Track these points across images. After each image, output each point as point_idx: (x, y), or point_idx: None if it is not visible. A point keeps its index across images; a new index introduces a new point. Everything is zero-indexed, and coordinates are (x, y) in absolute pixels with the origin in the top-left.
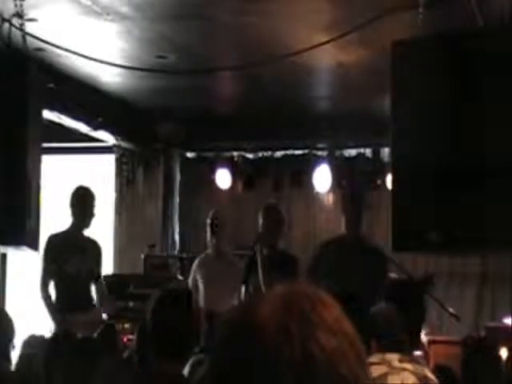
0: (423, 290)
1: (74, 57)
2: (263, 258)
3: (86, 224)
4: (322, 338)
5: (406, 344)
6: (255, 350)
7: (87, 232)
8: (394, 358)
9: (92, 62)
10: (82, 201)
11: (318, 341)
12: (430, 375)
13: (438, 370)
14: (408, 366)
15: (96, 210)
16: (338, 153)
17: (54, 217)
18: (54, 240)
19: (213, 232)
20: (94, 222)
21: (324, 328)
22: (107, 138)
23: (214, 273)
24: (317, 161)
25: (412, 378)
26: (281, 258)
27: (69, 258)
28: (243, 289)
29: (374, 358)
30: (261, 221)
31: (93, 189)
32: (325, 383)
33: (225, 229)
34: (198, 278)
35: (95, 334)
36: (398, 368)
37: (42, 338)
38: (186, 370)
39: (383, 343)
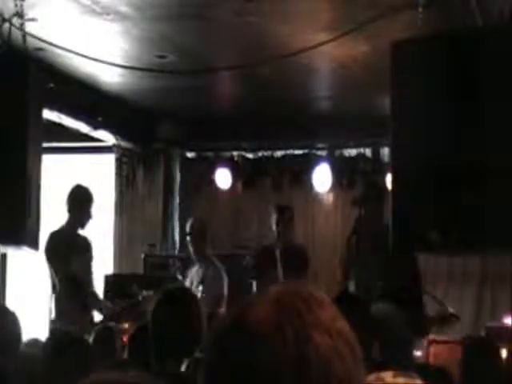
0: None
1: (74, 57)
2: None
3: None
4: (317, 338)
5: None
6: (250, 351)
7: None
8: (387, 374)
9: (92, 61)
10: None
11: (313, 341)
12: None
13: (435, 372)
14: (400, 379)
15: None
16: (337, 153)
17: (54, 217)
18: None
19: None
20: (95, 221)
21: (319, 328)
22: (107, 137)
23: None
24: (317, 161)
25: None
26: None
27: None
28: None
29: (370, 378)
30: None
31: (92, 189)
32: (320, 383)
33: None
34: None
35: (92, 336)
36: None
37: (42, 338)
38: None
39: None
